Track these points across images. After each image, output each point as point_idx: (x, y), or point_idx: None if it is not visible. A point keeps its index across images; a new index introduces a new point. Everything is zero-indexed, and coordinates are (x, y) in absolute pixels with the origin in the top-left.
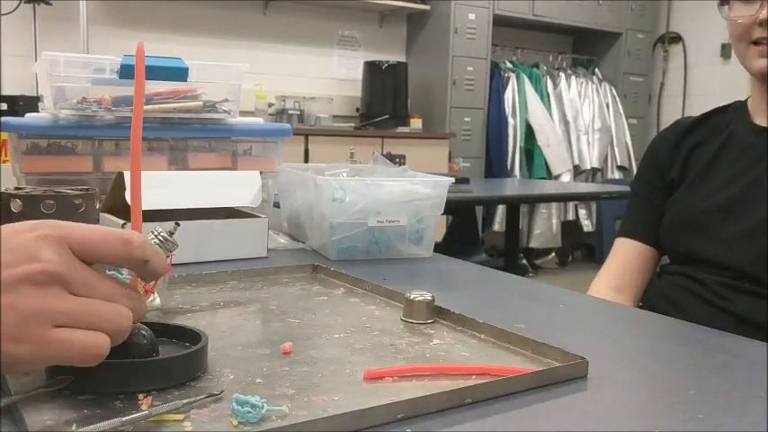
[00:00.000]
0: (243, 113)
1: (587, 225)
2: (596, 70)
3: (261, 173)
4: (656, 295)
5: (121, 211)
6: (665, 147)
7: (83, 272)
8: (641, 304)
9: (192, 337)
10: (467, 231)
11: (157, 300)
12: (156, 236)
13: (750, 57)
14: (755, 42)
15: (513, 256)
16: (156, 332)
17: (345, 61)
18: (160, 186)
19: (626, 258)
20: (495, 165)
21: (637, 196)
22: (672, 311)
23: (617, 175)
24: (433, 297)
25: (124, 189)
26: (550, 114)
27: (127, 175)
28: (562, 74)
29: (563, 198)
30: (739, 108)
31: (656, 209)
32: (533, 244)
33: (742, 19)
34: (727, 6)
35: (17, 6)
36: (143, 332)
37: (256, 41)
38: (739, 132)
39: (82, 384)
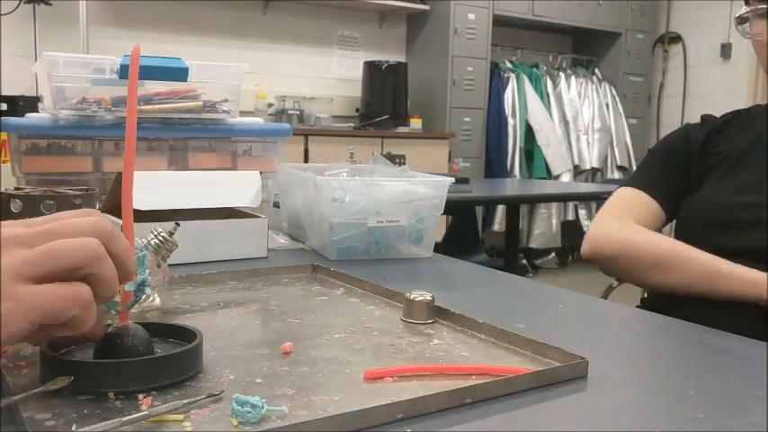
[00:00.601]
0: (243, 113)
1: (587, 225)
2: (596, 70)
3: (261, 173)
4: (657, 300)
5: (121, 210)
6: (698, 135)
7: (40, 226)
8: (639, 305)
9: (187, 335)
10: (467, 231)
11: (157, 300)
12: (156, 236)
13: None
14: None
15: (513, 256)
16: (151, 332)
17: (345, 61)
18: (160, 186)
19: (633, 205)
20: (494, 165)
21: (657, 157)
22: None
23: (617, 175)
24: (432, 297)
25: None
26: (550, 114)
27: None
28: (562, 74)
29: (563, 198)
30: (761, 110)
31: (675, 177)
32: (533, 244)
33: (762, 36)
34: (746, 24)
35: (17, 6)
36: (138, 332)
37: (256, 41)
38: (765, 131)
39: (79, 385)
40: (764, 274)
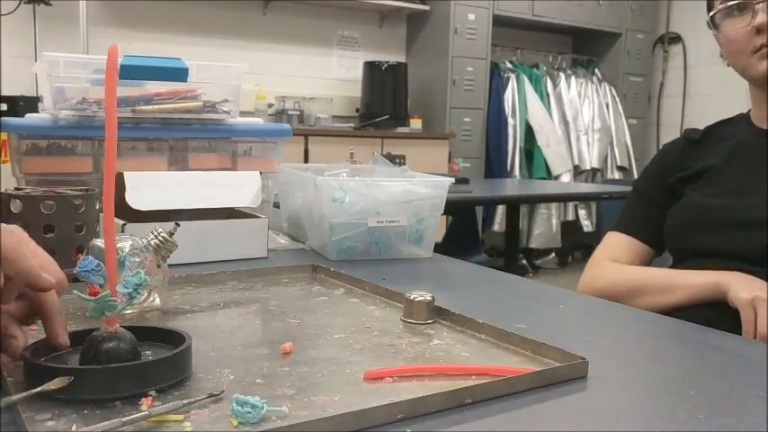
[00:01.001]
0: (243, 114)
1: (587, 225)
2: (596, 70)
3: (261, 173)
4: None
5: (121, 211)
6: (672, 152)
7: None
8: None
9: (176, 339)
10: (467, 231)
11: (157, 300)
12: (156, 236)
13: (752, 65)
14: (755, 51)
15: (512, 256)
16: (140, 335)
17: (345, 61)
18: (160, 187)
19: (619, 249)
20: (494, 165)
21: (638, 194)
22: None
23: (617, 175)
24: (432, 297)
25: (124, 190)
26: (550, 114)
27: (127, 176)
28: (562, 74)
29: (563, 198)
30: (743, 119)
31: (655, 209)
32: (533, 244)
33: (735, 32)
34: (715, 30)
35: (17, 6)
36: (124, 336)
37: (256, 42)
38: (746, 138)
39: (63, 391)
40: (713, 275)
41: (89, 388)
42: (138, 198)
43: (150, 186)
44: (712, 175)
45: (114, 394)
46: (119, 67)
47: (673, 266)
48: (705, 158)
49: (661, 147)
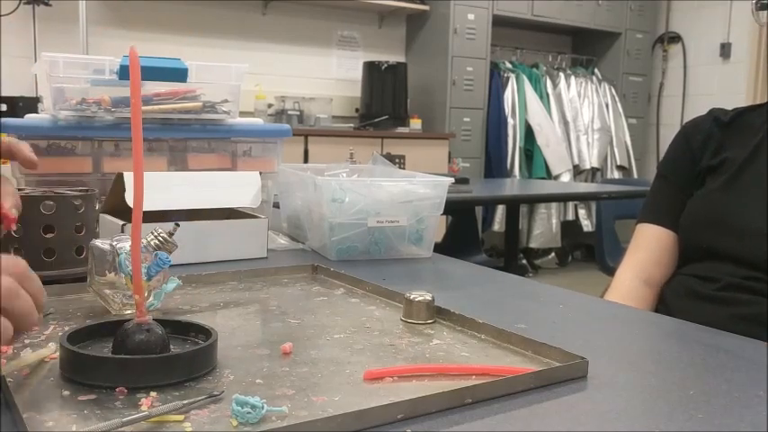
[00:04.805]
0: (242, 114)
1: (587, 225)
2: (596, 70)
3: (260, 173)
4: (663, 300)
5: (121, 211)
6: (698, 135)
7: None
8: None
9: (203, 332)
10: (466, 231)
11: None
12: (155, 236)
13: None
14: None
15: (512, 256)
16: (168, 328)
17: (345, 62)
18: (160, 187)
19: (654, 247)
20: (494, 165)
21: (665, 179)
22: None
23: (616, 174)
24: (432, 297)
25: (124, 190)
26: (550, 114)
27: (127, 176)
28: (561, 74)
29: (563, 198)
30: None
31: (684, 195)
32: (533, 244)
33: None
34: (765, 12)
35: (17, 7)
36: (155, 328)
37: (256, 42)
38: None
39: (96, 379)
40: None
41: (124, 377)
42: None
43: (150, 187)
44: (736, 170)
45: (145, 384)
46: (118, 67)
47: (680, 265)
48: (732, 147)
49: (684, 125)
